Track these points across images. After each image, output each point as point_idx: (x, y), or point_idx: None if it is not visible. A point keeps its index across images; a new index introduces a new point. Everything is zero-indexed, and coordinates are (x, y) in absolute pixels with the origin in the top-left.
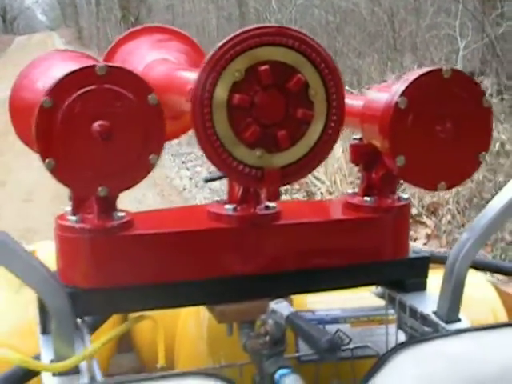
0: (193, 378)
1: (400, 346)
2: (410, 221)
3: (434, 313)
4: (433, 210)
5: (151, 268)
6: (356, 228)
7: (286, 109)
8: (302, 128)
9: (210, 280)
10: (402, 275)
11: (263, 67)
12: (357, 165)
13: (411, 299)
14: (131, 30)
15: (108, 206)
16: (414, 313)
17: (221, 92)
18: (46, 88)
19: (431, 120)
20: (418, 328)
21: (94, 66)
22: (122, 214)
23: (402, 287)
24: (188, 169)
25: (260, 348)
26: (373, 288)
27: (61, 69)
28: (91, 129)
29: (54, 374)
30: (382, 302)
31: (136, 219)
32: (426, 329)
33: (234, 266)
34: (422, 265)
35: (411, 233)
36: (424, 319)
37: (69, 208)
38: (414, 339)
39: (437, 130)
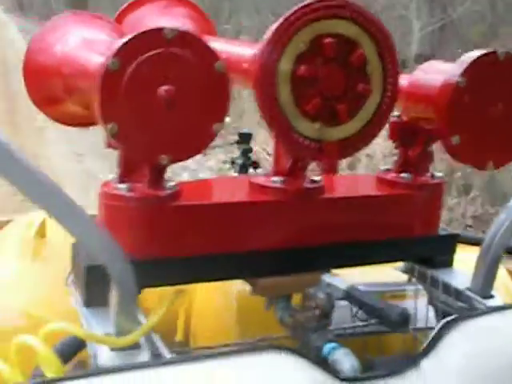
0: (267, 352)
1: (451, 322)
2: None
3: (468, 289)
4: None
5: (199, 239)
6: (394, 204)
7: (346, 82)
8: (360, 102)
9: (255, 253)
10: (433, 251)
11: (328, 39)
12: (394, 141)
13: (443, 275)
14: None
15: (160, 175)
16: (447, 288)
17: (286, 63)
18: (109, 50)
19: (485, 101)
20: (452, 303)
21: (162, 28)
22: (173, 183)
23: (431, 263)
24: None
25: (304, 321)
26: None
27: (80, 31)
28: (156, 93)
29: (112, 349)
30: (402, 277)
31: (183, 189)
32: (460, 304)
33: (279, 238)
34: (451, 242)
35: None
36: (458, 295)
37: (114, 176)
38: (462, 315)
39: (489, 110)
